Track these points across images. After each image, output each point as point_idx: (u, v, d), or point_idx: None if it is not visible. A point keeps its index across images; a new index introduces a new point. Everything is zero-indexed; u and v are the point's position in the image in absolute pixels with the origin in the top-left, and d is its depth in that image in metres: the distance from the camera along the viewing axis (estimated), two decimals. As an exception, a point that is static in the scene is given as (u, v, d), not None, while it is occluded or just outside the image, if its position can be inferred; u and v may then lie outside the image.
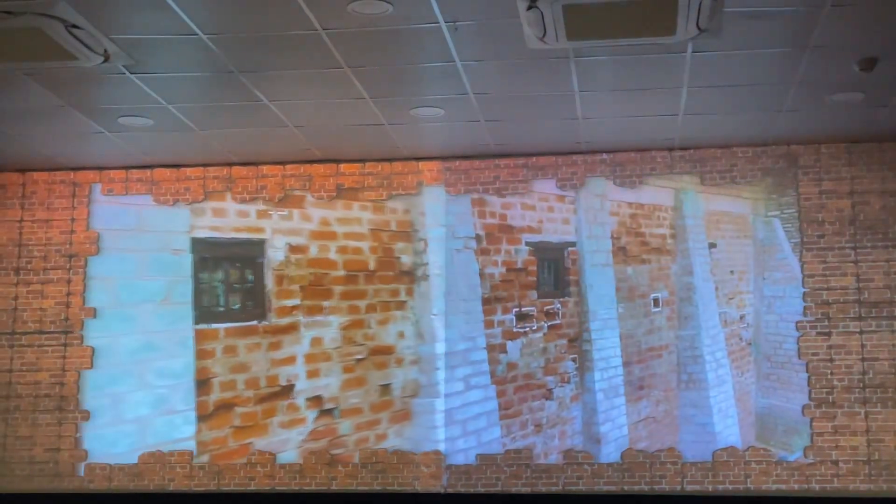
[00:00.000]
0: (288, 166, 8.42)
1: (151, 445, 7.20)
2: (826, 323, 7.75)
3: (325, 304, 7.16)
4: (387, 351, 7.11)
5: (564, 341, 7.27)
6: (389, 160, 8.33)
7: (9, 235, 8.57)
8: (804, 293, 7.81)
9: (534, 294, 7.29)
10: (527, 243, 7.34)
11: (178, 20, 5.49)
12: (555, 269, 7.34)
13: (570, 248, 7.37)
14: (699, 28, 5.54)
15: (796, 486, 7.57)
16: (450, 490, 7.89)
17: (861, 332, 7.71)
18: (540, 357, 7.24)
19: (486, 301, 7.26)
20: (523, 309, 7.26)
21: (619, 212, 7.43)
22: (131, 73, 6.32)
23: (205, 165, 8.46)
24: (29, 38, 5.54)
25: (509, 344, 7.20)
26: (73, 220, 8.54)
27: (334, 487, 7.98)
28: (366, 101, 6.87)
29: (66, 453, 8.20)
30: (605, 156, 8.17)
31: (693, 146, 8.06)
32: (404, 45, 5.93)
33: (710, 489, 7.65)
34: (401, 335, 7.11)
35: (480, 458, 7.90)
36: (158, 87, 6.60)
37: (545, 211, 7.40)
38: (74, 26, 5.48)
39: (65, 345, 8.36)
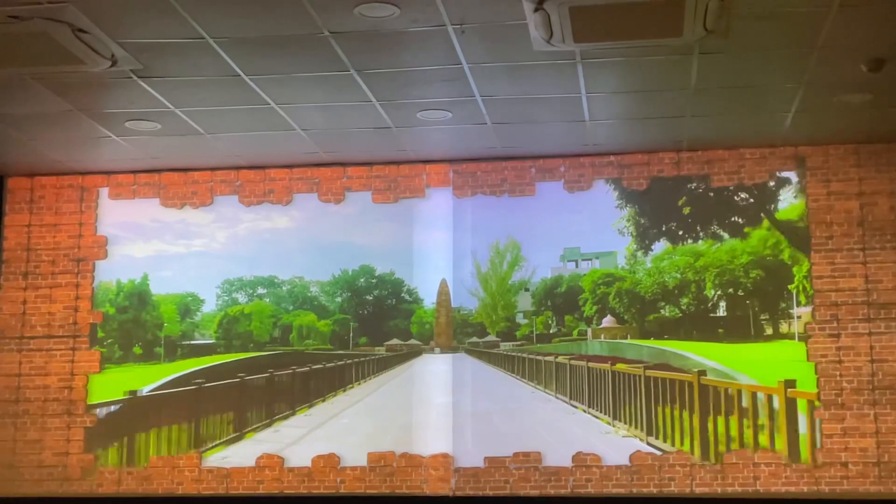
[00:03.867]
0: (295, 169, 8.44)
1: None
2: (835, 324, 7.73)
3: None
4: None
5: None
6: (396, 163, 8.35)
7: (17, 240, 8.59)
8: (813, 295, 7.80)
9: None
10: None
11: (185, 24, 5.50)
12: None
13: None
14: (706, 29, 5.53)
15: (805, 489, 7.54)
16: (458, 493, 7.88)
17: (870, 334, 7.68)
18: None
19: None
20: None
21: None
22: (139, 78, 6.33)
23: (212, 169, 8.49)
24: (37, 42, 5.55)
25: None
26: (81, 224, 8.56)
27: (343, 491, 7.98)
28: (372, 104, 6.88)
29: (74, 457, 8.22)
30: (612, 157, 8.17)
31: (701, 148, 8.05)
32: (411, 48, 5.93)
33: (720, 491, 7.63)
34: None
35: (489, 461, 7.89)
36: (166, 91, 6.61)
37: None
38: (82, 30, 5.49)
39: (73, 349, 8.38)
